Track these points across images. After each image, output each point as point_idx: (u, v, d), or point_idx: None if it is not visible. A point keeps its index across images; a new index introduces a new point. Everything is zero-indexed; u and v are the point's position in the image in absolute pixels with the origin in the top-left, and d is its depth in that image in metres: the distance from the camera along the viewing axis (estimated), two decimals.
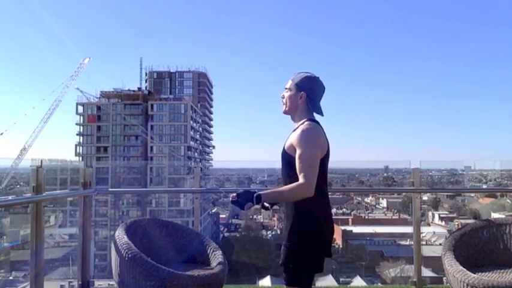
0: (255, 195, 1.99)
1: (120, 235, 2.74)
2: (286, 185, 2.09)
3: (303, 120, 2.19)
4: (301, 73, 2.28)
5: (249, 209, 2.05)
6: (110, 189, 4.69)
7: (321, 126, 2.19)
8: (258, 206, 2.10)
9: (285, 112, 2.30)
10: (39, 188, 2.69)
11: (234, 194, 2.05)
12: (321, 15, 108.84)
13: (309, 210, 2.09)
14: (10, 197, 2.85)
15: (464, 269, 2.52)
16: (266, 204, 2.26)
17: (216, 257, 2.95)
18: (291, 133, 2.21)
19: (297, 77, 2.26)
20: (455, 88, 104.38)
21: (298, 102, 2.23)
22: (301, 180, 1.99)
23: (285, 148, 2.18)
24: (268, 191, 2.11)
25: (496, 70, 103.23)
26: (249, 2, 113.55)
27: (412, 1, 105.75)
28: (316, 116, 2.26)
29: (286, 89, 2.29)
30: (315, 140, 2.10)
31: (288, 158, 2.15)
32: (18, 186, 39.86)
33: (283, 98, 2.30)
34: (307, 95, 2.22)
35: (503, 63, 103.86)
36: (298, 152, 2.07)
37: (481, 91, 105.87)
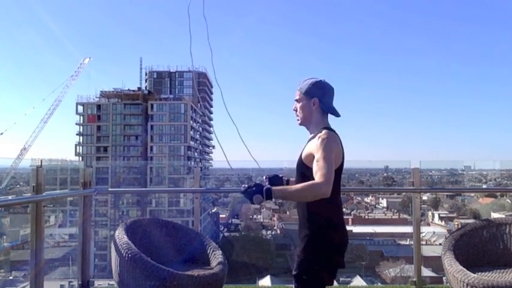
0: (264, 188, 1.92)
1: (120, 235, 2.74)
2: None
3: (320, 129, 2.14)
4: (307, 80, 2.24)
5: (258, 203, 1.95)
6: (110, 189, 4.69)
7: (337, 135, 2.16)
8: (265, 201, 2.00)
9: (301, 124, 2.26)
10: (39, 188, 2.69)
11: (245, 185, 1.98)
12: (320, 15, 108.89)
13: (324, 218, 2.05)
14: (10, 197, 2.84)
15: (464, 269, 2.52)
16: (273, 201, 2.22)
17: (216, 257, 2.95)
18: (308, 142, 2.17)
19: (304, 85, 2.23)
20: (455, 88, 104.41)
21: (312, 110, 2.20)
22: (317, 179, 1.93)
23: (302, 158, 2.14)
24: (281, 187, 2.06)
25: (496, 70, 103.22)
26: (249, 2, 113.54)
27: (412, 1, 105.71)
28: (333, 119, 2.23)
29: (296, 100, 2.26)
30: (332, 147, 2.06)
31: (303, 168, 2.11)
32: (18, 186, 39.86)
33: (296, 110, 2.26)
34: (320, 100, 2.18)
35: (503, 63, 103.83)
36: (316, 156, 2.02)
37: (481, 91, 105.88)
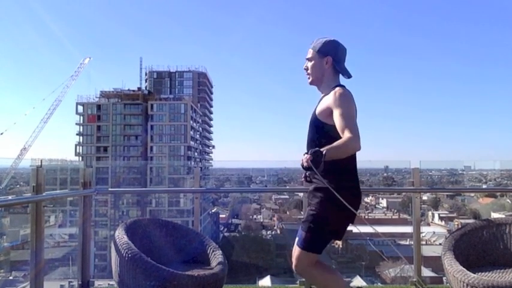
0: (324, 152, 1.85)
1: (120, 235, 2.73)
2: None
3: (333, 86, 2.12)
4: (320, 39, 2.20)
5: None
6: (110, 189, 4.68)
7: (351, 94, 2.14)
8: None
9: (311, 83, 2.22)
10: (39, 188, 2.68)
11: (306, 157, 1.88)
12: (320, 15, 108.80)
13: (350, 169, 2.11)
14: (10, 197, 2.84)
15: (464, 269, 2.52)
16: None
17: (216, 257, 2.95)
18: (321, 100, 2.15)
19: (318, 44, 2.19)
20: (455, 88, 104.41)
21: (324, 69, 2.17)
22: (348, 134, 1.92)
23: (317, 114, 2.11)
24: (327, 147, 1.94)
25: (497, 70, 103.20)
26: (249, 2, 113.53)
27: (413, 1, 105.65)
28: (344, 80, 2.21)
29: (307, 59, 2.22)
30: (350, 103, 2.06)
31: (319, 123, 2.10)
32: (18, 186, 39.86)
33: (307, 69, 2.22)
34: (333, 59, 2.15)
35: (503, 63, 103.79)
36: (336, 112, 2.00)
37: (481, 91, 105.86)
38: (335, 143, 1.93)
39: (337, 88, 2.08)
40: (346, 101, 2.04)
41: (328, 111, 2.05)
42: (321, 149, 1.90)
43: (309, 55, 2.21)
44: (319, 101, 2.17)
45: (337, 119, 1.99)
